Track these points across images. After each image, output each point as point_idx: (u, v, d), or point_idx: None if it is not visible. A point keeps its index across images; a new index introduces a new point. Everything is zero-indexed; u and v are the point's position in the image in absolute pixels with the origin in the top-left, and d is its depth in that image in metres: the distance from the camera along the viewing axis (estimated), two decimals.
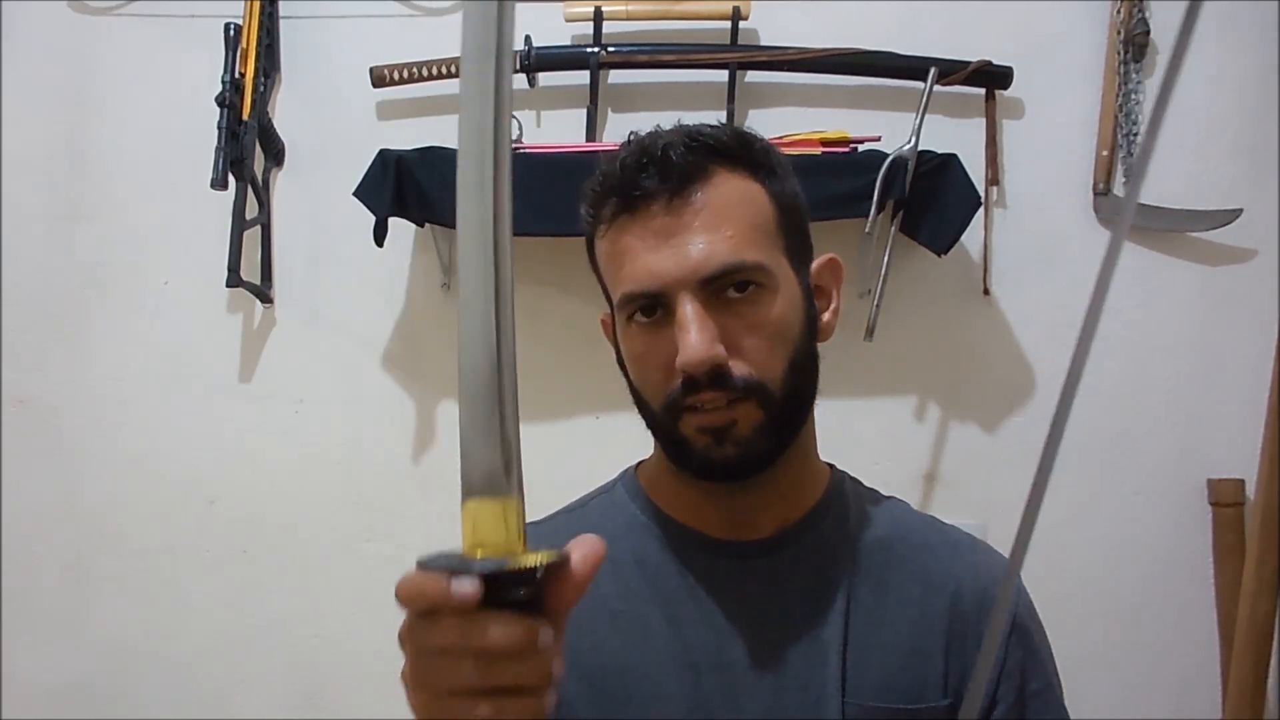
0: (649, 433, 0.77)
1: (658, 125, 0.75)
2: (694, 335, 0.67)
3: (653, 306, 0.71)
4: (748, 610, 0.75)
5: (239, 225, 1.47)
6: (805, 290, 0.75)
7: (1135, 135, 1.51)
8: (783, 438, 0.72)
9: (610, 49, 1.50)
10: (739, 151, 0.73)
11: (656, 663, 0.74)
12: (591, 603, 0.76)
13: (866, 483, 0.85)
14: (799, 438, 0.75)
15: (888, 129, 1.45)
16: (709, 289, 0.69)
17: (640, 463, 0.84)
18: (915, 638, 0.75)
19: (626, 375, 0.76)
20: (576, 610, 0.75)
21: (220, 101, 1.44)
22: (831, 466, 0.83)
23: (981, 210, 1.44)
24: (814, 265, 0.77)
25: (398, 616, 0.48)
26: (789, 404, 0.71)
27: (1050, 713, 0.77)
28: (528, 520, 0.45)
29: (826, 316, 0.77)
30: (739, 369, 0.69)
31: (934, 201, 1.41)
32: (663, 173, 0.70)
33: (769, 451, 0.72)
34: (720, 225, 0.69)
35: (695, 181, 0.70)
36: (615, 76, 1.55)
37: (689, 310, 0.68)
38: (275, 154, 1.57)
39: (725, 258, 0.69)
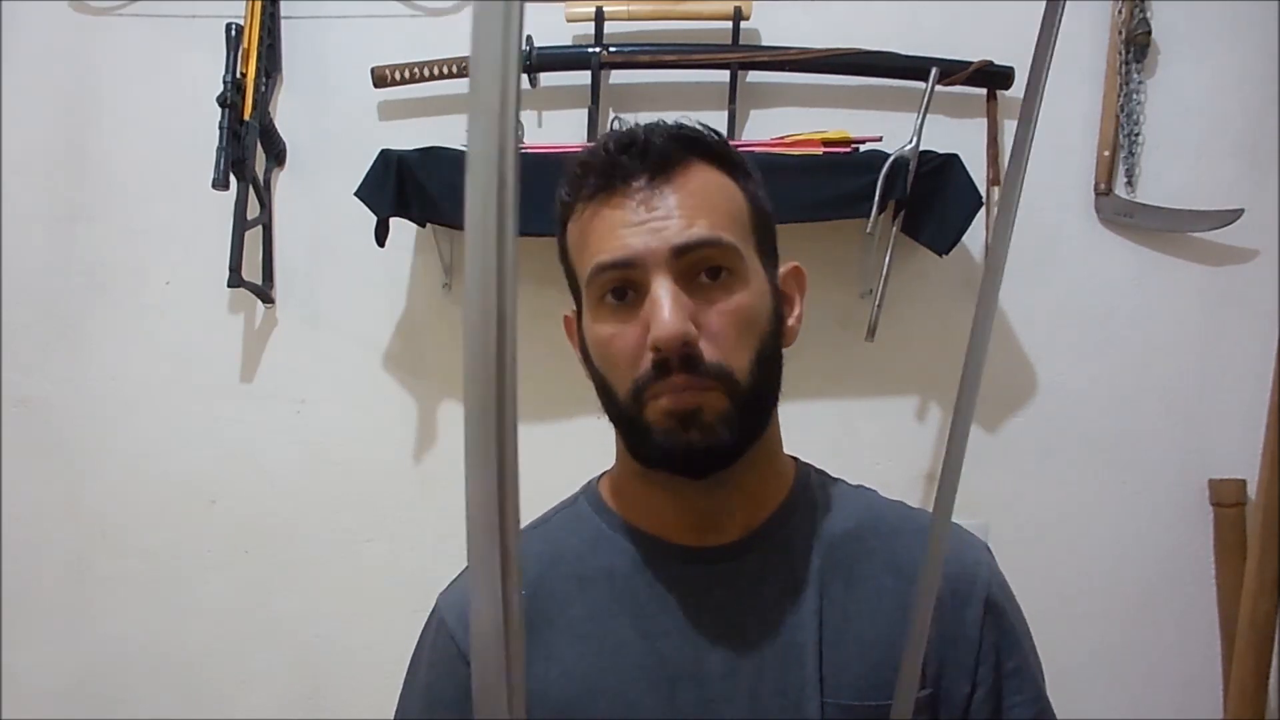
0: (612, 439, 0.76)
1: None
2: (668, 311, 0.67)
3: (623, 289, 0.70)
4: (720, 616, 0.74)
5: (240, 225, 1.47)
6: (774, 289, 0.75)
7: (1136, 135, 1.51)
8: (746, 432, 0.72)
9: (611, 49, 1.50)
10: (718, 149, 0.75)
11: (630, 678, 0.73)
12: (559, 630, 0.75)
13: (867, 483, 0.84)
14: (763, 437, 0.75)
15: (889, 129, 1.45)
16: (682, 268, 0.69)
17: (602, 474, 0.84)
18: (890, 629, 0.73)
19: (591, 368, 0.76)
20: (545, 640, 0.74)
21: (221, 102, 1.44)
22: (796, 460, 0.82)
23: (983, 210, 1.44)
24: (780, 271, 0.78)
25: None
26: (754, 397, 0.71)
27: (1026, 691, 0.76)
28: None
29: (791, 321, 0.78)
30: (709, 353, 0.68)
31: (935, 201, 1.41)
32: (644, 156, 0.71)
33: (732, 445, 0.70)
34: (697, 206, 0.70)
35: (675, 167, 0.71)
36: (616, 77, 1.55)
37: (663, 287, 0.68)
38: (276, 154, 1.57)
39: (701, 232, 0.69)
